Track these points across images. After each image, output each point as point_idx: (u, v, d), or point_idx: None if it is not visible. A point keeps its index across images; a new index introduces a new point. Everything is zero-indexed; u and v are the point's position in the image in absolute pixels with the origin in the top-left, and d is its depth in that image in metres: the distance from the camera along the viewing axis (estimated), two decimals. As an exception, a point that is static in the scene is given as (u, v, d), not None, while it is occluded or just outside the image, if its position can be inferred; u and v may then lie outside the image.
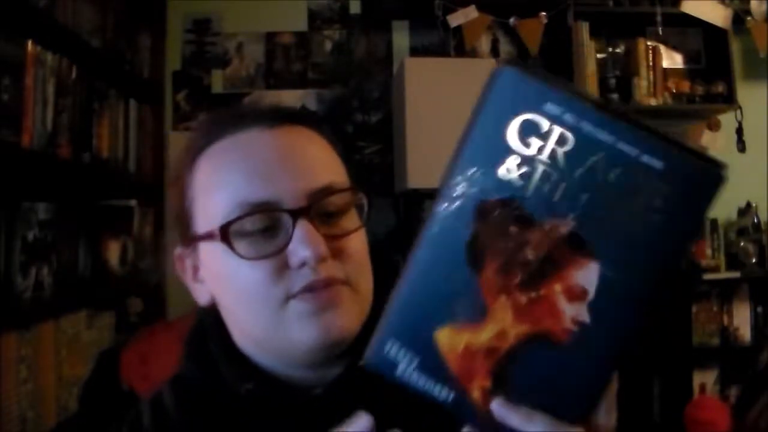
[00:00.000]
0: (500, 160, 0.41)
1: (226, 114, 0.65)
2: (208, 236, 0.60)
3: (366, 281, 0.62)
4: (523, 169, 0.41)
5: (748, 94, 2.73)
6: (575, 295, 0.41)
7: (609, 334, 0.42)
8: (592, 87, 2.58)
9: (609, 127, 0.39)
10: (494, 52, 2.80)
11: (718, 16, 2.58)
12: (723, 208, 2.74)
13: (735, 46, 2.73)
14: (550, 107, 0.40)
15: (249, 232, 0.58)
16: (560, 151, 0.40)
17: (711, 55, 2.81)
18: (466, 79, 2.33)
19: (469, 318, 0.43)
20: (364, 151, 2.72)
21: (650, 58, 2.68)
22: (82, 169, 1.93)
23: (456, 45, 2.56)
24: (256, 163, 0.59)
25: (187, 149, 0.64)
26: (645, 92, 2.65)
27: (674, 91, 2.71)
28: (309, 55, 2.78)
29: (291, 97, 2.68)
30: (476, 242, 0.42)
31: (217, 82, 2.74)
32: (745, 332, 2.67)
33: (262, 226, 0.58)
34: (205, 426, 0.62)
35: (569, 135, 0.40)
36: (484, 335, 0.43)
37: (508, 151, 0.41)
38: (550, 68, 2.71)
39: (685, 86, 2.71)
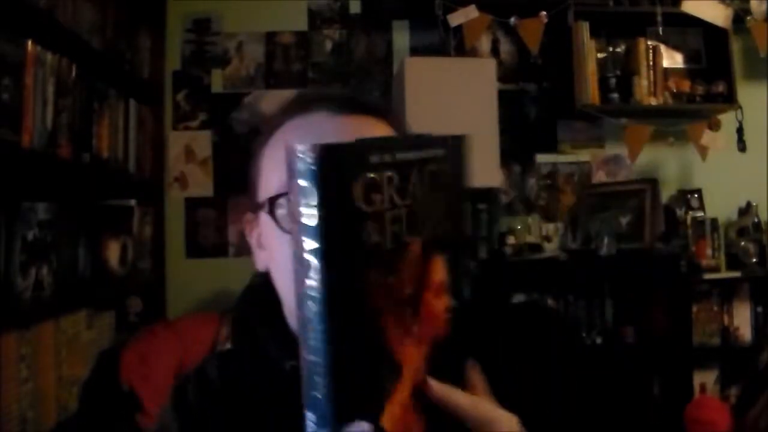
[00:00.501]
0: (359, 228, 0.41)
1: (306, 95, 0.70)
2: (261, 206, 0.64)
3: None
4: (377, 224, 0.42)
5: (749, 93, 2.73)
6: (440, 290, 0.46)
7: (462, 301, 0.48)
8: (592, 87, 2.58)
9: (412, 145, 0.46)
10: (494, 52, 2.80)
11: (718, 15, 2.58)
12: (723, 208, 2.74)
13: (735, 46, 2.72)
14: (372, 158, 0.42)
15: None
16: (393, 190, 0.43)
17: (711, 54, 2.81)
18: (466, 79, 2.35)
19: (395, 382, 0.43)
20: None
21: (650, 58, 2.68)
22: (82, 169, 1.93)
23: (456, 45, 2.55)
24: None
25: (267, 124, 0.69)
26: (645, 92, 2.65)
27: (674, 90, 2.71)
28: (309, 54, 2.78)
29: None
30: (372, 316, 0.42)
31: (217, 81, 2.74)
32: (745, 332, 2.67)
33: None
34: (249, 399, 0.65)
35: (393, 172, 0.43)
36: (406, 385, 0.44)
37: (364, 216, 0.41)
38: (550, 68, 2.72)
39: (686, 86, 2.71)
